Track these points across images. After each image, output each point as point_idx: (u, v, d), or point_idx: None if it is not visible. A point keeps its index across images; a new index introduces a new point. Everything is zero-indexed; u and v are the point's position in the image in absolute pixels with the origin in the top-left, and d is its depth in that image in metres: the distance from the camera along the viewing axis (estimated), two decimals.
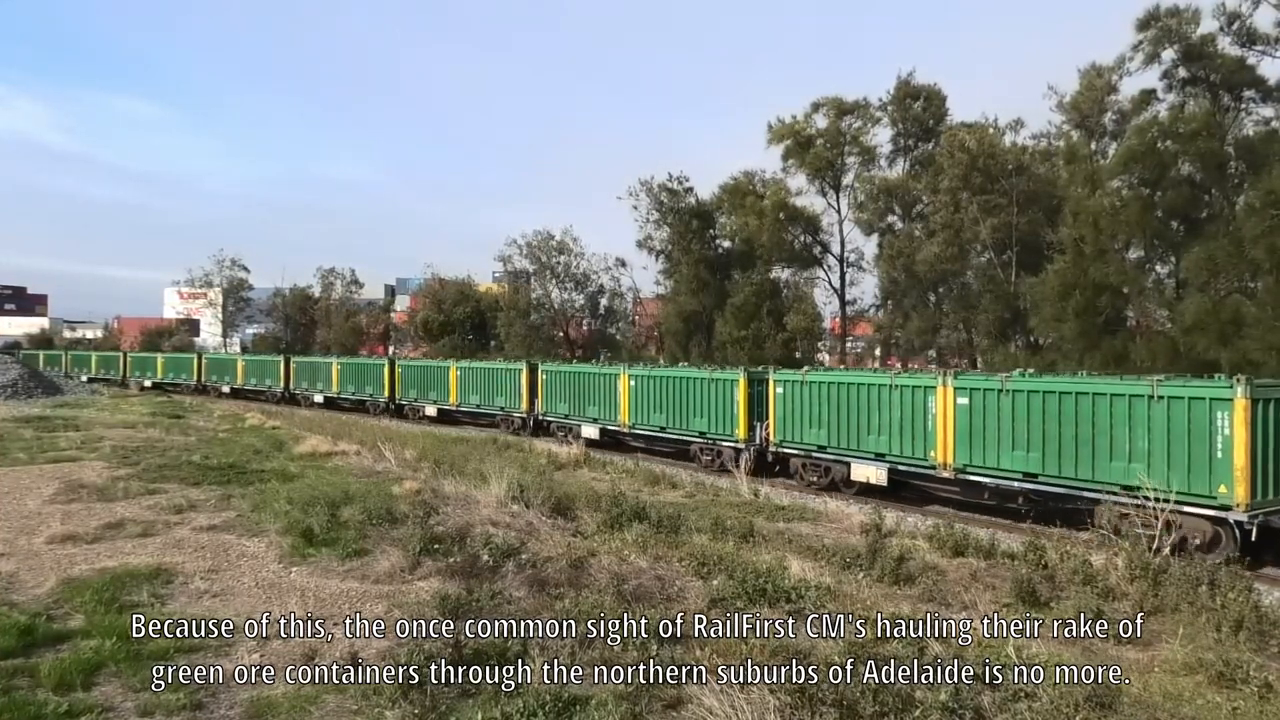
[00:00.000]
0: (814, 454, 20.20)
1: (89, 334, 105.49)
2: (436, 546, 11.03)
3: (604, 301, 56.37)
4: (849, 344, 50.60)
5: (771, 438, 21.48)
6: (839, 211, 46.71)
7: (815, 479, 20.19)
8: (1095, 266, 31.94)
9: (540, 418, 30.67)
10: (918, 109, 44.66)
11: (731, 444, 22.88)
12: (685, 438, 24.65)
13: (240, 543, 11.93)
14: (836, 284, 47.77)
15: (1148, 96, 33.76)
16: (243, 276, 77.93)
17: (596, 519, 13.21)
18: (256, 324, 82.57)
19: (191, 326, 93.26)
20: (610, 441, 27.85)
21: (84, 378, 63.27)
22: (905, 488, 18.84)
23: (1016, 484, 15.89)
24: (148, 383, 58.77)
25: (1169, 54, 32.44)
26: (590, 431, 27.90)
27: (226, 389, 52.63)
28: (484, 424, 34.21)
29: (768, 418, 21.70)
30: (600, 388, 27.91)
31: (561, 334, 55.54)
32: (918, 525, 15.26)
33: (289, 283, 77.01)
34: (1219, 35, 31.73)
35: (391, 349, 72.98)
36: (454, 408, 35.85)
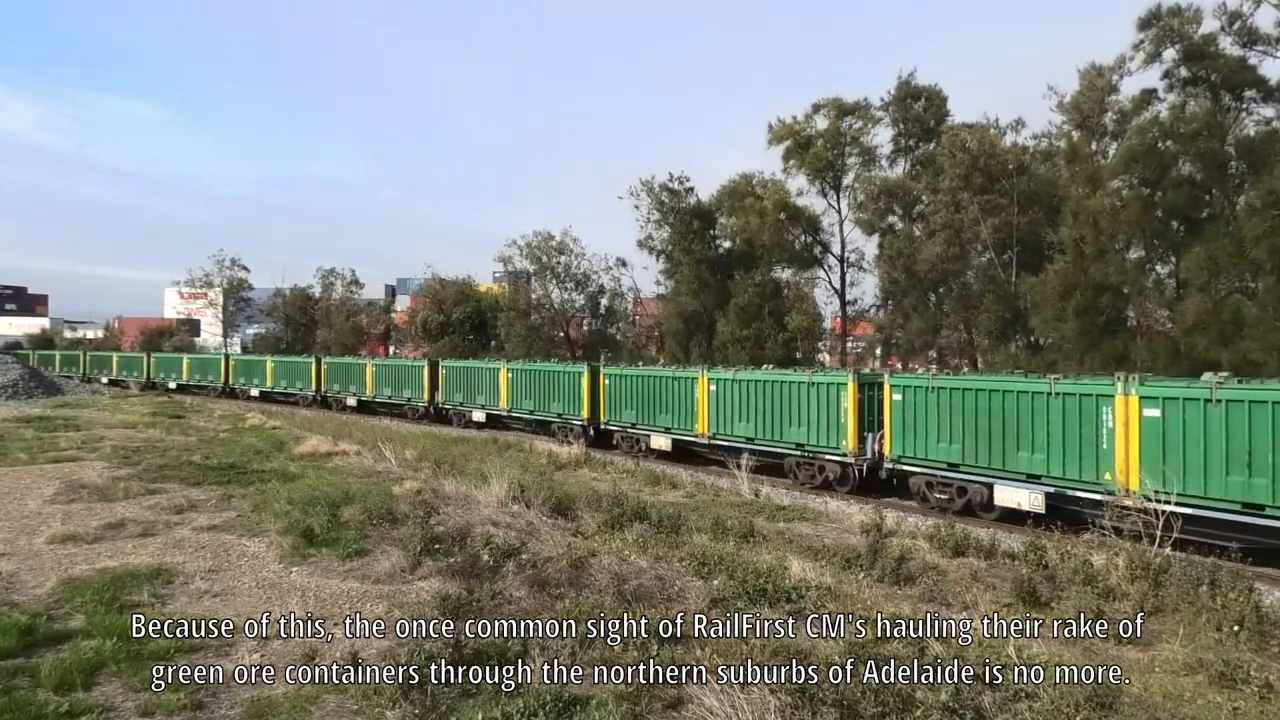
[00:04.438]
0: None
1: (89, 334, 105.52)
2: (437, 546, 11.04)
3: (604, 302, 56.40)
4: (849, 344, 50.60)
5: None
6: (839, 212, 46.81)
7: None
8: (1096, 266, 31.94)
9: (890, 465, 18.73)
10: (918, 109, 44.71)
11: None
12: None
13: (241, 543, 11.94)
14: (837, 284, 47.84)
15: (1148, 96, 33.79)
16: (243, 276, 78.06)
17: (597, 519, 13.21)
18: (257, 324, 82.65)
19: (192, 326, 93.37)
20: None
21: (172, 384, 56.39)
22: None
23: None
24: (255, 392, 49.56)
25: (1170, 54, 32.47)
26: (1021, 499, 15.99)
27: (352, 401, 42.19)
28: (768, 466, 21.87)
29: None
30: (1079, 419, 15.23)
31: (562, 334, 55.58)
32: (918, 525, 15.27)
33: (289, 283, 77.20)
34: (1220, 35, 31.76)
35: (393, 349, 73.05)
36: (702, 439, 23.67)
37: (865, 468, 19.29)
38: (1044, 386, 15.72)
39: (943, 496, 17.64)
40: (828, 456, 20.11)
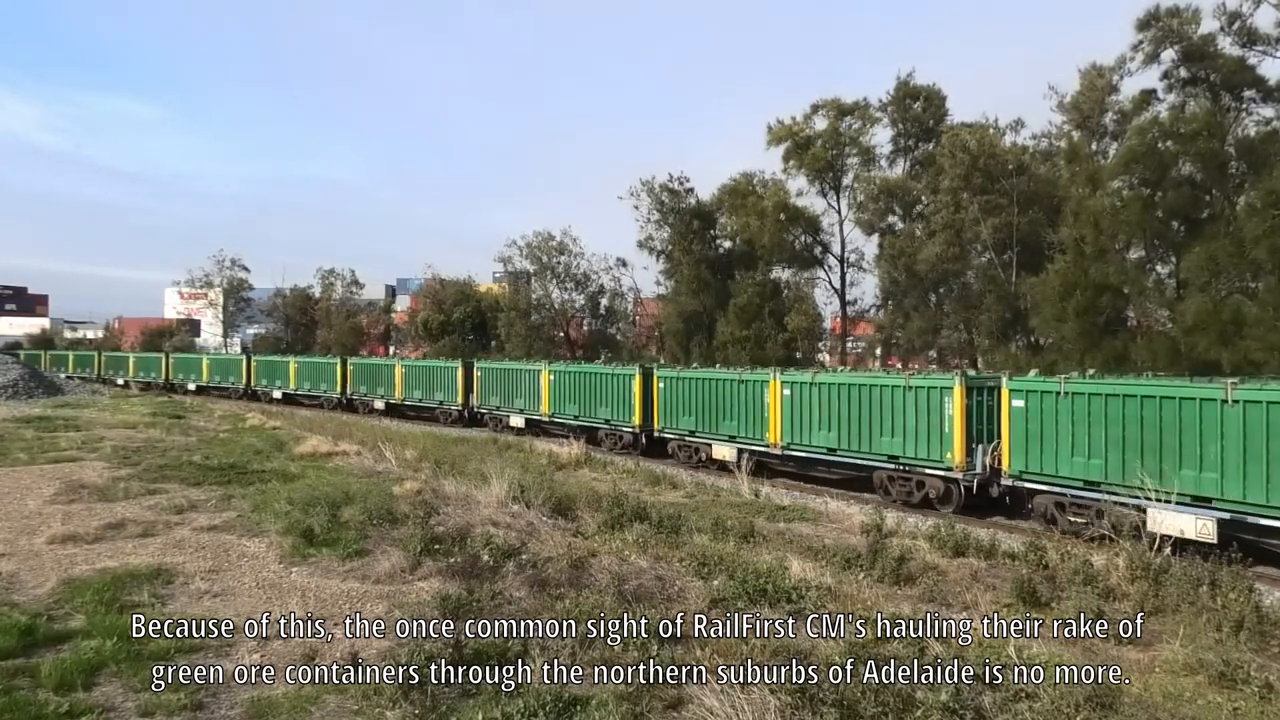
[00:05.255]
0: None
1: (89, 334, 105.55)
2: (437, 547, 11.04)
3: (604, 302, 56.45)
4: (849, 344, 50.62)
5: None
6: (839, 212, 46.83)
7: None
8: (1096, 266, 31.94)
9: (1008, 481, 16.60)
10: (917, 109, 44.72)
11: None
12: None
13: (241, 543, 11.94)
14: (837, 284, 47.85)
15: (1148, 96, 33.79)
16: (243, 277, 78.20)
17: (597, 519, 13.21)
18: (257, 324, 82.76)
19: (192, 327, 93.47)
20: None
21: (191, 385, 54.87)
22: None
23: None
24: (277, 394, 47.97)
25: (1169, 54, 32.48)
26: (1184, 525, 13.69)
27: (380, 404, 40.14)
28: (853, 480, 20.55)
29: None
30: None
31: (562, 334, 55.60)
32: (918, 525, 15.26)
33: (289, 283, 77.40)
34: (1219, 35, 31.77)
35: (393, 349, 73.10)
36: (773, 450, 21.44)
37: (975, 484, 16.93)
38: (1217, 392, 13.25)
39: (1078, 520, 15.12)
40: (928, 471, 17.77)
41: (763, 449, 21.78)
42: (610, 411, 27.51)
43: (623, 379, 27.14)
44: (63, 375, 56.46)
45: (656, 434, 25.60)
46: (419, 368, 39.63)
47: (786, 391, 20.95)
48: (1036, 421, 15.81)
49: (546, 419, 30.43)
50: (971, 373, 18.31)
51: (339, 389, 43.42)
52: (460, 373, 35.80)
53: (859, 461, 19.36)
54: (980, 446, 17.01)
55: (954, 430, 17.15)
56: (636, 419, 26.32)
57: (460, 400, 35.64)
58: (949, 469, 17.33)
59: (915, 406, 17.93)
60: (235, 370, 53.04)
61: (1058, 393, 15.51)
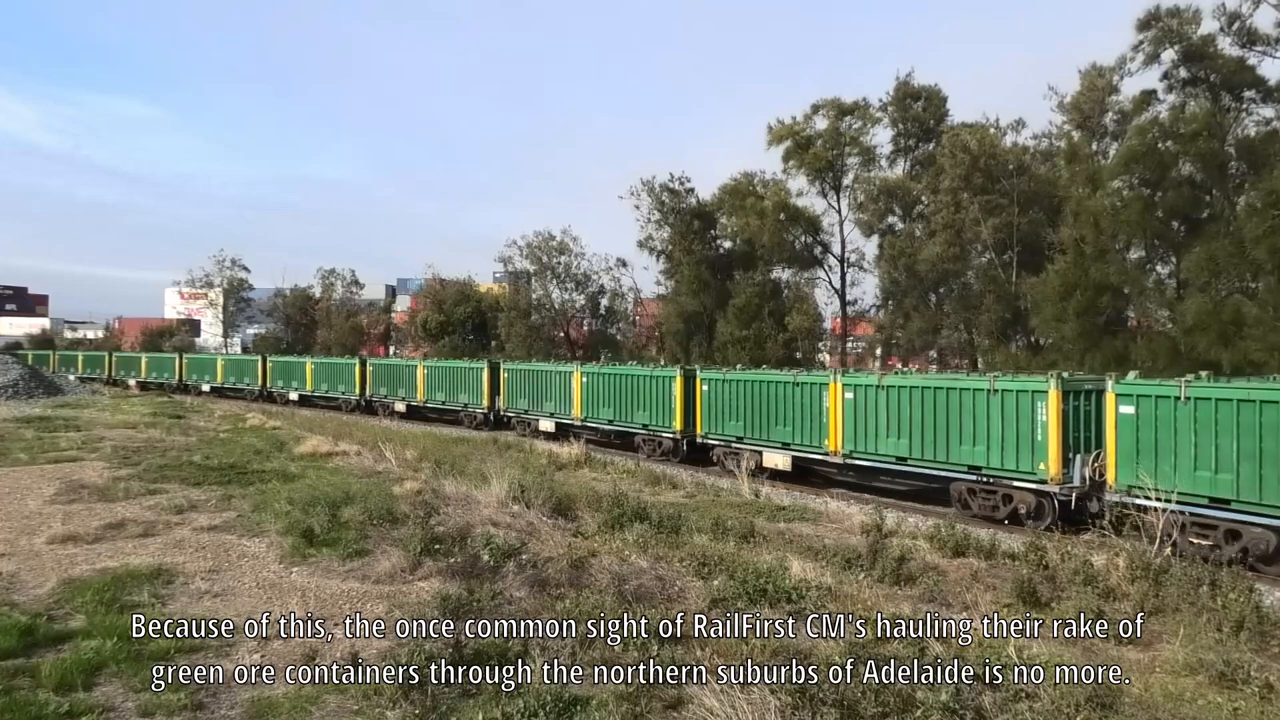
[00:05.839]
0: None
1: (89, 334, 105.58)
2: (437, 547, 11.05)
3: (605, 302, 56.46)
4: (850, 344, 50.62)
5: None
6: (839, 212, 46.84)
7: None
8: (1096, 267, 31.95)
9: (1116, 496, 14.41)
10: (918, 109, 44.73)
11: None
12: None
13: (241, 543, 11.95)
14: (837, 284, 47.86)
15: (1148, 97, 33.76)
16: (243, 277, 78.19)
17: (597, 519, 13.22)
18: (257, 324, 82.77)
19: (192, 327, 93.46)
20: None
21: (205, 387, 53.27)
22: None
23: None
24: (294, 395, 46.66)
25: (1169, 54, 32.46)
26: None
27: (401, 406, 38.82)
28: (924, 492, 19.44)
29: None
30: None
31: (562, 334, 55.62)
32: (918, 525, 15.26)
33: (289, 283, 77.39)
34: (1219, 35, 31.76)
35: (393, 349, 73.12)
36: (833, 457, 19.96)
37: (1073, 498, 15.21)
38: None
39: (1202, 541, 13.15)
40: (1017, 483, 16.08)
41: (821, 457, 20.32)
42: (649, 416, 25.91)
43: (662, 381, 25.60)
44: (71, 376, 56.10)
45: (699, 440, 24.22)
46: (442, 369, 38.18)
47: (849, 395, 19.44)
48: (1150, 430, 13.85)
49: (579, 423, 28.92)
50: (1066, 374, 16.70)
51: (358, 391, 42.29)
52: (486, 374, 34.53)
53: (933, 472, 17.80)
54: (1078, 457, 15.31)
55: (1049, 439, 15.49)
56: (678, 424, 24.80)
57: (486, 403, 34.39)
58: (1042, 481, 15.66)
59: (1002, 412, 16.34)
60: (250, 371, 51.81)
61: (1177, 397, 13.51)
